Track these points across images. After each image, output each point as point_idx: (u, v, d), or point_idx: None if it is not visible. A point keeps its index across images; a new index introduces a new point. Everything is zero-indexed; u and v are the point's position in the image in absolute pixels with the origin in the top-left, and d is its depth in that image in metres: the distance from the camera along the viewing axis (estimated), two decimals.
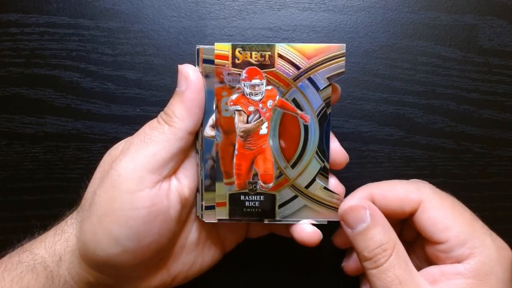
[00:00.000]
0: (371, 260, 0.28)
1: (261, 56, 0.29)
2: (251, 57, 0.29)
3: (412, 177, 0.34)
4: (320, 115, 0.30)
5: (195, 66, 0.30)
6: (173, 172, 0.29)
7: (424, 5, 0.38)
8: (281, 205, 0.31)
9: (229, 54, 0.29)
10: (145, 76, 0.38)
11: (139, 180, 0.27)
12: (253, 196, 0.30)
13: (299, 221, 0.31)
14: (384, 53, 0.38)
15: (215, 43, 0.29)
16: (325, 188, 0.30)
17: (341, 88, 0.32)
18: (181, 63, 0.29)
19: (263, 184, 0.30)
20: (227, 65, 0.29)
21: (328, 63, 0.29)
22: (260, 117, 0.30)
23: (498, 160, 0.38)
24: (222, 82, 0.29)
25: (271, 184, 0.30)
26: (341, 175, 0.32)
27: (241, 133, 0.30)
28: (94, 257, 0.28)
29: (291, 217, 0.31)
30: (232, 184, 0.30)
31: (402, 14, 0.38)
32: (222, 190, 0.30)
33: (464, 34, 0.38)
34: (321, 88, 0.30)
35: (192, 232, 0.32)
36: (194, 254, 0.32)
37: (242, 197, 0.30)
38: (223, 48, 0.29)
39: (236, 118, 0.30)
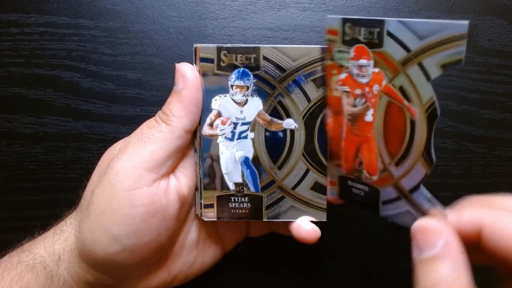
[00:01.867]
0: None
1: (370, 33, 0.25)
2: (360, 33, 0.26)
3: None
4: (430, 110, 0.24)
5: (193, 65, 0.29)
6: (172, 170, 0.29)
7: (424, 5, 0.38)
8: (384, 202, 0.27)
9: (340, 30, 0.27)
10: (145, 76, 0.38)
11: (136, 178, 0.27)
12: (359, 184, 0.29)
13: (402, 223, 0.27)
14: None
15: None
16: (429, 199, 0.25)
17: None
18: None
19: (367, 175, 0.28)
20: (337, 41, 0.27)
21: (444, 45, 0.23)
22: (365, 102, 0.27)
23: (498, 160, 0.38)
24: (332, 59, 0.28)
25: (375, 177, 0.28)
26: None
27: (349, 116, 0.28)
28: (93, 256, 0.28)
29: (393, 219, 0.27)
30: (341, 167, 0.29)
31: (402, 14, 0.38)
32: (333, 170, 0.30)
33: None
34: (432, 78, 0.24)
35: (191, 231, 0.32)
36: (194, 253, 0.32)
37: (349, 182, 0.29)
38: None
39: (344, 99, 0.28)
